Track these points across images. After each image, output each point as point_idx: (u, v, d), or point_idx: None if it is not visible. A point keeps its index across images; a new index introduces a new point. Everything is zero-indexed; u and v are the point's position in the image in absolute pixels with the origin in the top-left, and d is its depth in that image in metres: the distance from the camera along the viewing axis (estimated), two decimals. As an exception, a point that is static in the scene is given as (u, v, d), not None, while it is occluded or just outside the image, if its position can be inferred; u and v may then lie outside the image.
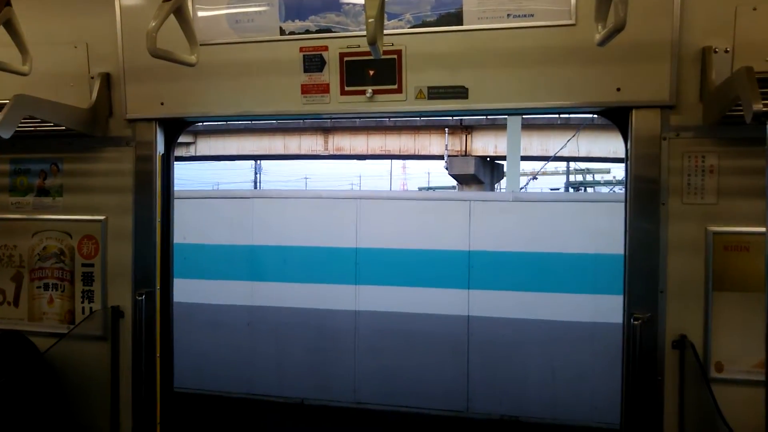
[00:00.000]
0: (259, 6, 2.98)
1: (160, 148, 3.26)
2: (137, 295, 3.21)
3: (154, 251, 3.25)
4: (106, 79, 3.26)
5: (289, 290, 6.87)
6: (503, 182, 23.07)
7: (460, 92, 2.83)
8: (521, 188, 15.63)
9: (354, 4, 2.89)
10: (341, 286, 6.75)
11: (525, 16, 2.72)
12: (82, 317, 3.34)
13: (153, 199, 3.23)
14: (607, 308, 5.55)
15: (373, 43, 2.05)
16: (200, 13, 3.01)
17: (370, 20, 2.02)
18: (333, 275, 6.76)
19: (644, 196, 2.70)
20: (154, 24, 2.21)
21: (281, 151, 22.76)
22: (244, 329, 6.92)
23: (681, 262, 2.66)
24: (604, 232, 5.79)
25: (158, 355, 3.29)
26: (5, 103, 2.68)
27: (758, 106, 2.01)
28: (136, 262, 3.26)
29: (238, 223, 7.09)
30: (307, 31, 2.94)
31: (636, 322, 2.64)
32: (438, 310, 6.32)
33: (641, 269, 2.70)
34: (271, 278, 6.96)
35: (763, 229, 2.46)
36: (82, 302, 3.36)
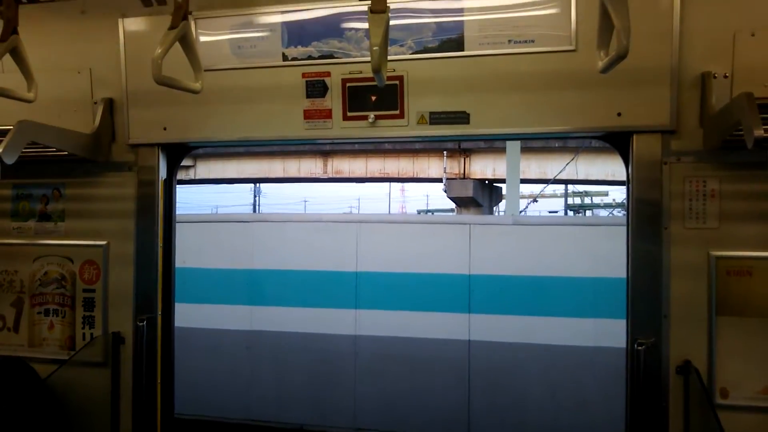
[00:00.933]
0: (262, 32, 3.02)
1: (163, 173, 3.27)
2: (138, 320, 3.19)
3: (156, 276, 3.24)
4: (109, 105, 3.28)
5: (289, 314, 6.84)
6: (502, 205, 23.12)
7: (462, 117, 2.85)
8: (521, 211, 15.65)
9: (356, 30, 2.92)
10: (341, 311, 6.72)
11: (526, 41, 2.75)
12: (83, 343, 3.32)
13: (155, 224, 3.23)
14: (609, 332, 5.53)
15: (377, 71, 2.07)
16: (203, 38, 3.04)
17: (374, 48, 2.04)
18: (333, 299, 6.74)
19: (646, 221, 2.70)
20: (159, 51, 2.23)
21: (281, 174, 22.80)
22: (243, 354, 6.88)
23: (684, 287, 2.66)
24: (604, 255, 5.79)
25: (159, 381, 3.26)
26: (9, 129, 2.69)
27: (759, 132, 2.03)
28: (137, 288, 3.25)
29: (237, 247, 7.08)
30: (310, 57, 2.96)
31: (640, 348, 2.63)
32: (439, 335, 6.29)
33: (644, 294, 2.69)
34: (270, 302, 6.93)
35: (765, 254, 2.46)
36: (83, 328, 3.34)
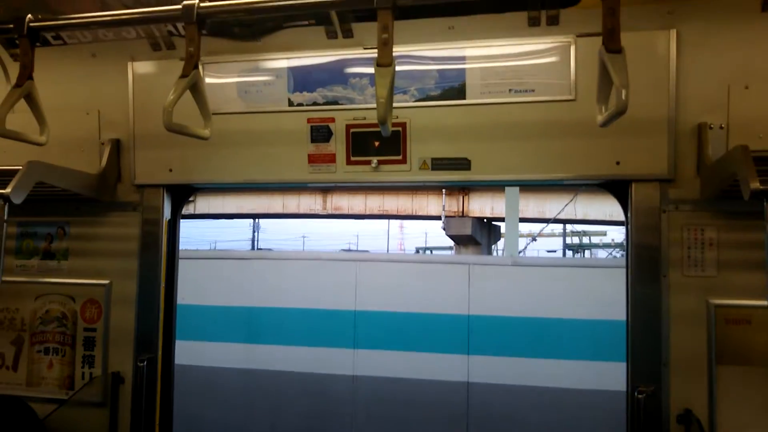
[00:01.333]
0: (269, 77, 3.09)
1: (167, 213, 3.31)
2: (138, 361, 3.18)
3: (157, 317, 3.25)
4: (116, 145, 3.33)
5: (287, 353, 6.81)
6: (500, 243, 23.14)
7: (463, 164, 2.90)
8: (520, 252, 15.68)
9: (360, 78, 2.99)
10: (339, 350, 6.70)
11: (526, 91, 2.81)
12: (82, 383, 3.30)
13: (158, 264, 3.25)
14: (610, 375, 5.50)
15: (383, 122, 2.12)
16: (210, 82, 3.11)
17: (381, 100, 2.09)
18: (331, 338, 6.72)
19: (645, 268, 2.73)
20: (170, 99, 2.28)
21: (280, 210, 22.88)
22: (238, 393, 6.82)
23: (684, 335, 2.67)
24: (604, 297, 5.80)
25: (157, 422, 3.24)
26: (17, 169, 2.74)
27: (755, 185, 2.07)
28: (138, 328, 3.26)
29: (236, 283, 7.08)
30: (315, 103, 3.03)
31: (640, 396, 2.63)
32: (437, 376, 6.26)
33: (644, 341, 2.70)
34: (268, 341, 6.91)
35: (764, 303, 2.48)
36: (83, 367, 3.33)
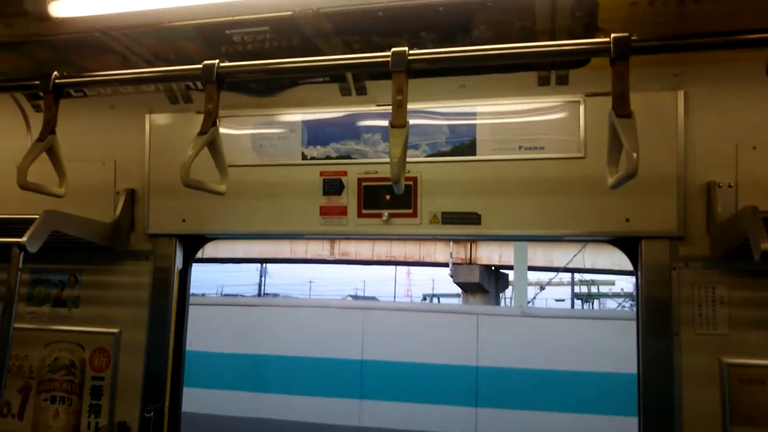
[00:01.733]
0: (283, 131, 3.16)
1: (179, 262, 3.33)
2: (145, 411, 3.16)
3: (166, 367, 3.24)
4: (131, 195, 3.38)
5: (292, 402, 6.73)
6: (508, 291, 22.99)
7: (473, 218, 2.93)
8: (528, 302, 15.59)
9: (373, 133, 3.05)
10: (345, 400, 6.61)
11: (536, 148, 2.86)
12: (87, 433, 3.28)
13: (168, 313, 3.26)
14: (621, 430, 5.40)
15: (397, 182, 2.16)
16: (224, 131, 3.16)
17: (394, 160, 2.14)
18: (337, 388, 6.64)
19: (656, 326, 2.71)
20: (189, 155, 2.33)
21: (288, 255, 22.94)
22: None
23: (697, 394, 2.64)
24: (614, 350, 5.74)
25: None
26: (33, 218, 2.78)
27: (766, 246, 2.08)
28: (146, 377, 3.24)
29: (243, 331, 7.05)
30: (328, 157, 3.08)
31: None
32: (445, 429, 6.15)
33: (656, 401, 2.67)
34: (274, 389, 6.84)
35: None
36: (89, 417, 3.30)
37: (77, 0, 2.46)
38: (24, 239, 2.69)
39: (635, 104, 2.09)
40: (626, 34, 2.11)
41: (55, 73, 2.68)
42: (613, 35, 2.11)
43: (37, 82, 2.69)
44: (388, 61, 2.27)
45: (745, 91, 2.66)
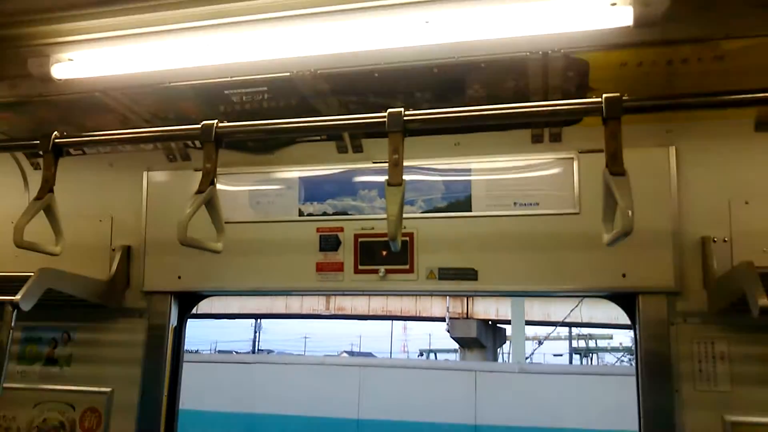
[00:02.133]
0: (280, 187, 3.18)
1: (174, 320, 3.30)
2: None
3: (158, 426, 3.17)
4: (127, 252, 3.37)
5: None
6: (506, 346, 22.74)
7: (470, 274, 2.92)
8: (526, 357, 15.41)
9: (369, 189, 3.08)
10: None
11: (531, 204, 2.89)
12: (75, 498, 3.18)
13: (162, 372, 3.21)
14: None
15: (393, 239, 2.17)
16: (221, 188, 3.18)
17: (391, 218, 2.15)
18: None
19: (656, 382, 2.68)
20: (187, 213, 2.34)
21: (283, 311, 22.72)
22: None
23: None
24: (615, 406, 5.65)
25: None
26: (28, 275, 2.76)
27: (764, 302, 2.07)
28: None
29: (237, 388, 6.92)
30: (324, 213, 3.10)
31: None
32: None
33: None
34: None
35: None
36: (76, 481, 3.21)
37: (79, 62, 2.51)
38: (17, 297, 2.66)
39: (628, 160, 2.12)
40: (617, 95, 2.16)
41: (56, 133, 2.71)
42: (604, 95, 2.16)
43: (37, 142, 2.72)
44: (385, 121, 2.31)
45: (735, 147, 2.71)
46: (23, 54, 2.48)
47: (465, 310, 20.36)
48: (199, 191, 2.42)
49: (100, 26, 2.29)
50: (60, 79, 2.54)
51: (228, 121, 2.52)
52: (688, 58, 2.36)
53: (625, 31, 2.08)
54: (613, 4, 2.02)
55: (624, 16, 2.03)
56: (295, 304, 22.37)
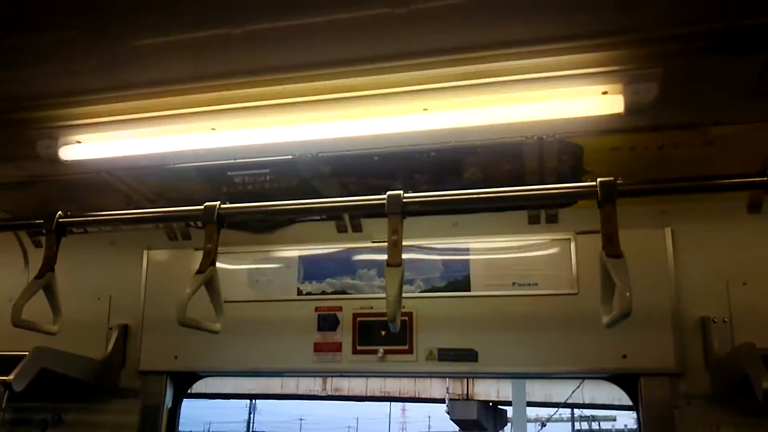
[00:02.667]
0: (280, 266, 3.20)
1: (169, 401, 3.23)
2: None
3: None
4: (124, 331, 3.34)
5: None
6: (507, 428, 22.10)
7: (470, 355, 2.90)
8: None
9: (368, 269, 3.09)
10: None
11: (529, 284, 2.90)
12: None
13: None
14: None
15: (393, 320, 2.17)
16: (220, 265, 3.18)
17: (390, 299, 2.16)
18: None
19: None
20: (187, 293, 2.34)
21: (278, 391, 22.19)
22: None
23: None
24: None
25: None
26: (22, 354, 2.73)
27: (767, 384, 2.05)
28: None
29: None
30: (323, 292, 3.10)
31: None
32: None
33: None
34: None
35: None
36: None
37: (86, 144, 2.56)
38: (10, 377, 2.62)
39: (625, 241, 2.15)
40: (612, 179, 2.21)
41: (59, 212, 2.74)
42: (599, 180, 2.21)
43: (41, 221, 2.75)
44: (384, 203, 2.35)
45: (729, 228, 2.74)
46: (32, 136, 2.54)
47: (465, 391, 19.88)
48: (200, 271, 2.43)
49: (108, 110, 2.35)
50: (67, 161, 2.60)
51: (230, 201, 2.56)
52: (678, 143, 2.43)
53: (617, 117, 2.14)
54: (604, 93, 2.10)
55: (615, 104, 2.11)
56: (291, 384, 21.86)
